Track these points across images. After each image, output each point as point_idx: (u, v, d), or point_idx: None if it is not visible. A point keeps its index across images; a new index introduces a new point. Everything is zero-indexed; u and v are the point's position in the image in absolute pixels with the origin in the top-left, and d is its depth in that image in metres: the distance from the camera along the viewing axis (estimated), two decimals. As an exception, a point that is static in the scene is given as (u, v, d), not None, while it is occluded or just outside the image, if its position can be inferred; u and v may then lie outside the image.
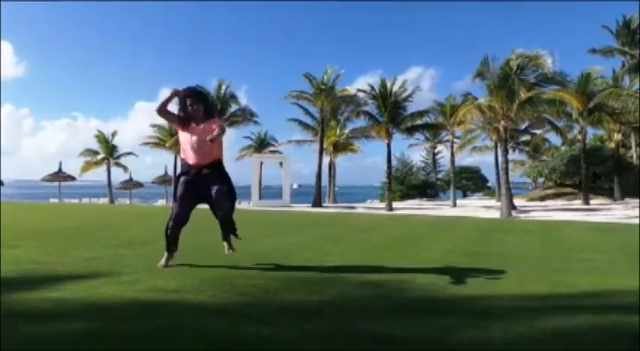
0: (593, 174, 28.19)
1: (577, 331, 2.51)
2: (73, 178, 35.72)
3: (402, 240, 7.16)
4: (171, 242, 4.10)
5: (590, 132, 29.90)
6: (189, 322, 2.47)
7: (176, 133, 5.26)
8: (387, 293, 3.36)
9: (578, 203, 25.63)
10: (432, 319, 2.69)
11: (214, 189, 3.99)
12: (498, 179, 26.95)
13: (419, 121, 25.91)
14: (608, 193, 27.35)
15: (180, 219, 4.06)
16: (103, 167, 34.73)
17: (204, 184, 4.02)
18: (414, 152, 63.88)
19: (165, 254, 4.11)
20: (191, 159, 4.04)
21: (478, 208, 24.27)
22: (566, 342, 2.35)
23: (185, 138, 4.08)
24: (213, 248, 4.80)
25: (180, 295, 3.09)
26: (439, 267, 4.45)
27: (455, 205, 27.00)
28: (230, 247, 4.39)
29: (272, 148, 35.36)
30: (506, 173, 19.78)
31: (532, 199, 29.87)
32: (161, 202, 33.47)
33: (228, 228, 4.28)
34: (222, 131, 3.93)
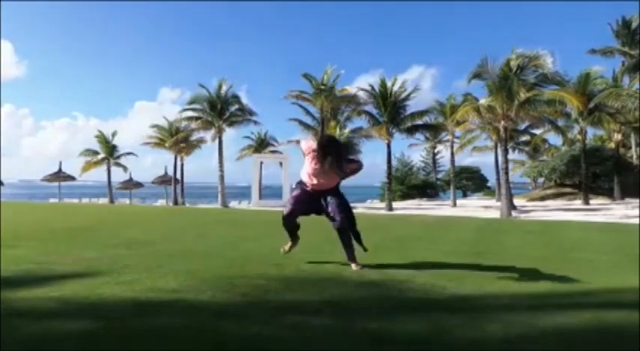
0: (593, 174, 28.18)
1: (577, 330, 2.51)
2: (73, 178, 35.73)
3: (402, 240, 7.15)
4: (290, 233, 4.57)
5: (590, 132, 29.93)
6: (189, 322, 2.47)
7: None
8: (387, 293, 3.35)
9: (578, 203, 25.63)
10: (431, 319, 2.69)
11: (329, 201, 4.34)
12: (498, 179, 26.95)
13: (419, 121, 25.94)
14: (608, 193, 27.35)
15: (292, 215, 4.39)
16: (103, 167, 34.71)
17: (320, 197, 4.34)
18: (414, 152, 63.67)
19: (290, 243, 4.63)
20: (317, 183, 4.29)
21: (478, 208, 24.29)
22: (566, 341, 2.35)
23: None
24: (214, 248, 4.79)
25: (180, 295, 3.09)
26: (439, 267, 4.45)
27: (455, 205, 27.02)
28: (356, 263, 4.32)
29: (272, 148, 35.31)
30: (506, 173, 19.81)
31: (532, 199, 29.87)
32: (161, 202, 33.49)
33: (348, 238, 4.44)
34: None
